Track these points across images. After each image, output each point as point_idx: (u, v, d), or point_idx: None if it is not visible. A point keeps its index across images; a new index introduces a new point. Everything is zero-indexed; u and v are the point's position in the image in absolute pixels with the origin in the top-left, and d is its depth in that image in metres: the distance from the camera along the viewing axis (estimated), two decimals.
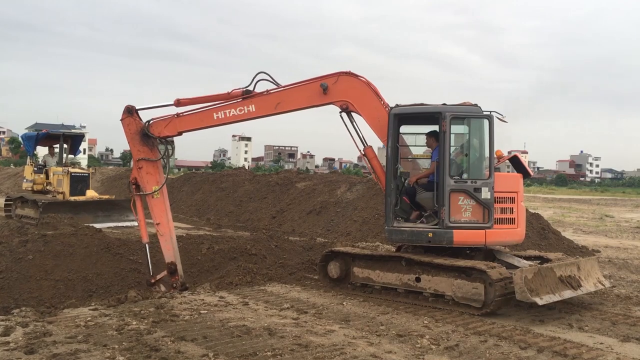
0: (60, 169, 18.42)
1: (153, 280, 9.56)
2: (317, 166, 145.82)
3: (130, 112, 9.65)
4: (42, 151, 20.81)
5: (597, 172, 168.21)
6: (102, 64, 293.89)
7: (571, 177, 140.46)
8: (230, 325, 6.95)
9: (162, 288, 9.45)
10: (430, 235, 8.49)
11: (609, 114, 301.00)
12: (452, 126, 8.47)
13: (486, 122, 8.48)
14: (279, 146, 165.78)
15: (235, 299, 8.45)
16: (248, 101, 9.21)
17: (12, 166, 63.12)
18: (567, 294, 8.07)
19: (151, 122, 9.66)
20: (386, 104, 8.91)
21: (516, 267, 8.24)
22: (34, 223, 15.64)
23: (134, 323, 6.91)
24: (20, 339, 6.17)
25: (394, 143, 8.76)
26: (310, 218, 19.02)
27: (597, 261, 9.61)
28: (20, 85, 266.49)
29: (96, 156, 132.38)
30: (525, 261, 8.77)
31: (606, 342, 6.82)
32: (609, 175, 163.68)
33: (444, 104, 8.57)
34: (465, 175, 8.61)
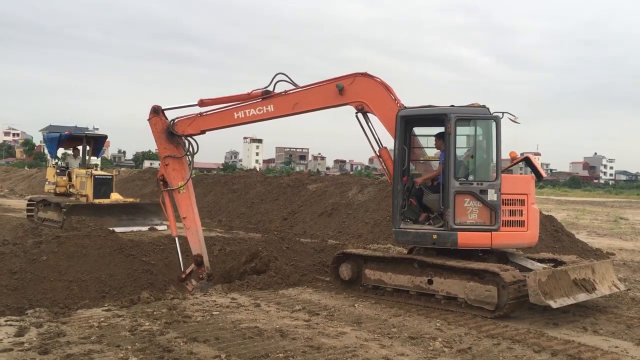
0: (83, 171, 17.92)
1: (184, 276, 9.90)
2: (328, 168, 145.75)
3: (157, 112, 10.10)
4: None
5: (611, 174, 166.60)
6: (114, 67, 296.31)
7: (585, 179, 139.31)
8: (242, 326, 6.96)
9: (194, 282, 9.77)
10: (434, 237, 8.47)
11: (623, 116, 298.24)
12: (458, 128, 8.44)
13: (493, 123, 8.42)
14: (290, 148, 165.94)
15: (247, 301, 8.46)
16: (267, 101, 9.46)
17: (26, 168, 63.73)
18: (582, 297, 8.00)
19: (176, 120, 10.10)
20: (402, 105, 8.92)
21: (530, 270, 8.18)
22: (57, 226, 15.50)
23: (147, 324, 6.94)
24: (35, 339, 6.22)
25: (401, 145, 8.78)
26: (322, 220, 19.02)
27: (611, 264, 9.51)
28: (34, 88, 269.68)
29: (109, 158, 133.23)
30: (538, 264, 8.70)
31: (621, 345, 6.75)
32: (623, 178, 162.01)
33: (452, 106, 8.55)
34: (471, 177, 8.57)
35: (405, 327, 7.24)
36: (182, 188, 9.99)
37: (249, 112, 9.60)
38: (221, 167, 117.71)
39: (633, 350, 6.56)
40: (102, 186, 17.27)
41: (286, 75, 9.41)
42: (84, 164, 18.66)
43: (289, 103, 9.41)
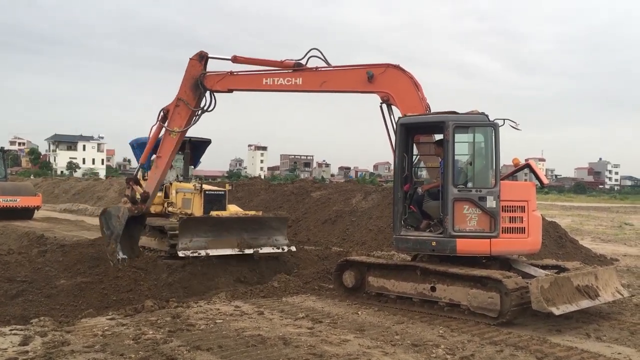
0: (189, 185, 13.64)
1: (128, 193, 11.29)
2: (332, 175, 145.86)
3: (202, 57, 10.43)
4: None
5: (616, 180, 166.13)
6: (123, 76, 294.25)
7: (590, 184, 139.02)
8: (246, 334, 6.98)
9: (127, 203, 11.03)
10: (433, 244, 8.49)
11: (628, 121, 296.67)
12: (456, 135, 8.45)
13: (491, 130, 8.44)
14: (294, 155, 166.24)
15: (250, 309, 8.49)
16: (297, 74, 9.66)
17: (32, 177, 64.03)
18: (585, 303, 7.98)
19: (206, 74, 10.31)
20: (427, 104, 8.98)
21: (532, 277, 8.17)
22: (160, 256, 11.89)
23: (151, 332, 6.98)
24: (39, 348, 6.26)
25: (401, 152, 8.80)
26: (326, 227, 19.01)
27: (615, 270, 9.49)
28: (41, 98, 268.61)
29: (114, 167, 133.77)
30: (541, 270, 8.70)
31: (624, 352, 6.75)
32: (628, 183, 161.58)
33: (453, 112, 8.58)
34: (470, 184, 8.58)
35: (408, 334, 7.25)
36: (174, 133, 10.44)
37: (278, 80, 9.81)
38: (226, 174, 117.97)
39: (636, 357, 6.56)
40: (214, 204, 13.32)
41: (320, 52, 9.56)
42: (186, 176, 14.61)
43: (318, 80, 9.58)
